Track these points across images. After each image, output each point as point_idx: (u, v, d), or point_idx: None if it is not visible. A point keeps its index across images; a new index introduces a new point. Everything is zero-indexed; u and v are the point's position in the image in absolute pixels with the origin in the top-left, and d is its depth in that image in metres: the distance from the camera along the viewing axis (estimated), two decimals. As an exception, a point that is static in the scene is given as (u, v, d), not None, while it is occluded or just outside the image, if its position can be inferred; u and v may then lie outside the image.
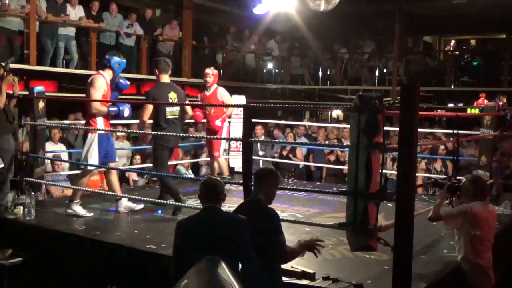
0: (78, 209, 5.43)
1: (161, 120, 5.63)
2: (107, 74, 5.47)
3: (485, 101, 8.43)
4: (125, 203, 5.62)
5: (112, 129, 8.68)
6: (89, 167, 5.48)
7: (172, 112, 5.66)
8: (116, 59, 5.46)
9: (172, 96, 5.65)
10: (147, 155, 8.56)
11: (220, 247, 3.01)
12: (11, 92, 5.62)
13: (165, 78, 5.75)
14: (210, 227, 3.14)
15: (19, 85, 5.99)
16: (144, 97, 6.45)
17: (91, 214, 5.46)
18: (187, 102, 6.07)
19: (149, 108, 5.66)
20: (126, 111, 5.50)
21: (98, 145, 5.37)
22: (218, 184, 3.29)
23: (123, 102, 5.54)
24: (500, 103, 7.31)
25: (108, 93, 5.43)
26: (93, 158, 5.39)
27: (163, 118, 5.61)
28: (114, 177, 5.66)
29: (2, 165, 5.39)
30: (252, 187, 3.57)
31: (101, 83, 5.35)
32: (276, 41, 14.95)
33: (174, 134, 5.51)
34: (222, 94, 6.72)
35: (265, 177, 3.45)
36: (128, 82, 5.74)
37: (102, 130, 5.39)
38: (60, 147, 7.86)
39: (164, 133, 5.44)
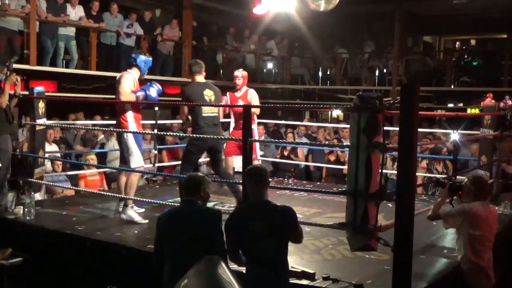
0: (133, 214, 5.27)
1: (198, 119, 5.48)
2: (134, 72, 5.47)
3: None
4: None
5: (112, 129, 8.69)
6: (133, 165, 5.28)
7: (210, 109, 5.51)
8: (142, 58, 5.48)
9: (208, 94, 5.54)
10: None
11: (196, 238, 3.28)
12: (12, 91, 5.62)
13: (200, 78, 5.68)
14: (188, 219, 3.37)
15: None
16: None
17: (146, 221, 5.21)
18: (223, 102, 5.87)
19: (185, 107, 5.67)
20: (153, 92, 5.38)
21: (135, 140, 5.34)
22: (201, 180, 3.50)
23: (147, 85, 5.42)
24: (510, 102, 7.21)
25: (137, 90, 5.40)
26: (136, 155, 5.30)
27: (200, 116, 5.47)
28: (135, 177, 5.44)
29: (0, 165, 5.39)
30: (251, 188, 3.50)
31: (128, 78, 5.36)
32: (276, 41, 14.95)
33: (208, 134, 5.33)
34: (252, 96, 6.72)
35: (264, 176, 3.45)
36: (160, 87, 5.56)
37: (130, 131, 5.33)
38: (54, 147, 7.81)
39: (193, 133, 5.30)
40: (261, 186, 3.40)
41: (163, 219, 3.49)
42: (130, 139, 5.32)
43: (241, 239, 3.32)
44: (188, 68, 5.84)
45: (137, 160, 5.32)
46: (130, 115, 5.35)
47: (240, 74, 6.76)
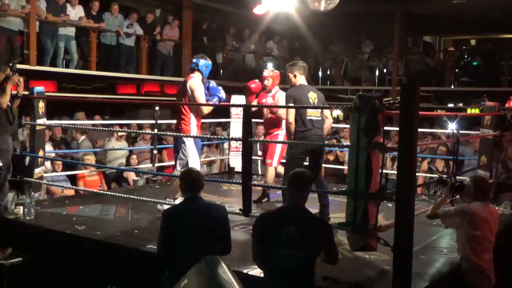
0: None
1: (304, 122, 5.26)
2: (197, 76, 5.54)
3: None
4: None
5: (131, 130, 8.69)
6: (191, 165, 5.28)
7: (314, 112, 5.32)
8: (203, 62, 5.57)
9: (312, 96, 5.38)
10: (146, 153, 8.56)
11: (203, 230, 3.38)
12: (15, 92, 5.62)
13: (302, 80, 5.46)
14: (194, 213, 3.45)
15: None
16: (144, 97, 6.38)
17: None
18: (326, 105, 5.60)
19: (292, 110, 5.36)
20: (223, 93, 5.63)
21: (195, 144, 5.49)
22: (198, 175, 3.63)
23: (216, 88, 5.60)
24: None
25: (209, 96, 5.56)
26: (194, 157, 5.44)
27: (304, 118, 5.27)
28: None
29: (1, 164, 5.39)
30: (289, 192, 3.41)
31: (200, 84, 5.46)
32: (275, 41, 14.95)
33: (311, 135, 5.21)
34: (278, 98, 6.26)
35: (304, 182, 3.35)
36: (220, 87, 5.69)
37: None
38: (48, 147, 7.78)
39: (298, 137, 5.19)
40: (298, 191, 3.30)
41: (170, 215, 3.54)
42: (190, 142, 5.44)
43: (270, 243, 3.18)
44: (289, 69, 5.50)
45: (195, 162, 5.41)
46: (193, 121, 5.48)
47: (269, 73, 6.30)
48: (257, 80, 6.55)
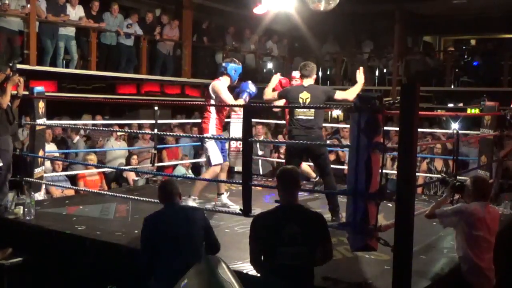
0: (227, 201, 5.79)
1: (291, 121, 5.49)
2: (225, 80, 5.69)
3: None
4: (224, 200, 5.82)
5: (131, 131, 8.69)
6: (213, 162, 5.59)
7: (303, 112, 5.41)
8: (232, 66, 5.72)
9: (304, 96, 5.45)
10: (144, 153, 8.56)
11: (185, 233, 3.49)
12: (15, 92, 5.62)
13: (306, 82, 5.56)
14: (174, 217, 3.59)
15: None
16: (144, 97, 6.38)
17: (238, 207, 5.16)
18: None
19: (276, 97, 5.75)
20: (252, 87, 5.68)
21: (216, 145, 5.64)
22: (173, 185, 3.80)
23: (244, 84, 5.67)
24: None
25: (239, 93, 5.68)
26: (215, 153, 5.59)
27: (292, 118, 5.45)
28: (223, 174, 5.86)
29: (1, 164, 5.39)
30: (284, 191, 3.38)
31: (223, 86, 5.59)
32: (275, 41, 14.95)
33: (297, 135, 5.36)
34: None
35: (297, 178, 3.39)
36: (249, 82, 5.75)
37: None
38: (52, 147, 7.80)
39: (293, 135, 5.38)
40: (293, 189, 3.32)
41: (150, 221, 3.65)
42: (212, 145, 5.62)
43: (271, 243, 3.16)
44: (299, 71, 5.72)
45: (216, 158, 5.63)
46: (213, 121, 5.62)
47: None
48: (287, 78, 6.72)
